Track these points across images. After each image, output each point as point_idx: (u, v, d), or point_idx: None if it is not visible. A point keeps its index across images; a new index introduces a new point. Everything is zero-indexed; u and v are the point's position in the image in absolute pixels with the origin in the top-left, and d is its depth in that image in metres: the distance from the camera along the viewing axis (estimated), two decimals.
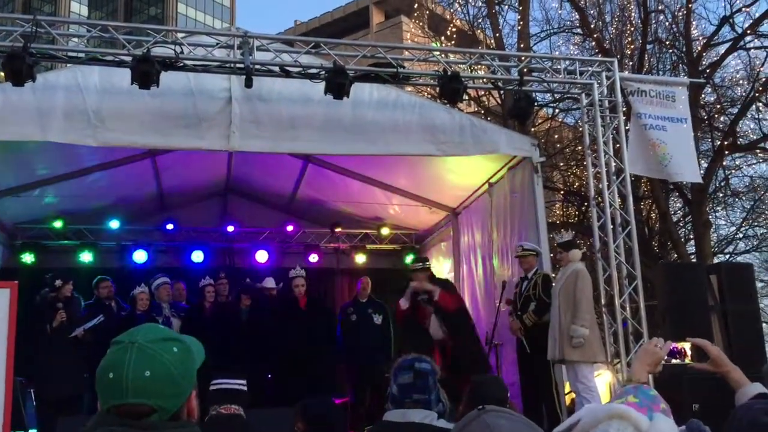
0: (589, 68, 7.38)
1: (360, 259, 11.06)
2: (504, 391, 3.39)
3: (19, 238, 9.82)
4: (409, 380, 2.78)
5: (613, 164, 7.27)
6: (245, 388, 3.40)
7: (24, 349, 7.22)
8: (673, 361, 2.17)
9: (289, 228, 10.74)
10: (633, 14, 15.11)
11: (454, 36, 16.49)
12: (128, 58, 5.97)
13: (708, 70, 14.09)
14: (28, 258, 9.70)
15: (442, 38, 16.62)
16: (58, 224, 9.71)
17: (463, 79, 6.66)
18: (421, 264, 8.21)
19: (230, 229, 10.53)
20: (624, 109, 7.49)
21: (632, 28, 15.06)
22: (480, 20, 16.33)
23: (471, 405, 3.35)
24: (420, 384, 2.77)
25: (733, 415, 2.29)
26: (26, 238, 9.82)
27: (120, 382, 1.44)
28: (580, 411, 1.70)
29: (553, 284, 7.08)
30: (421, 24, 20.08)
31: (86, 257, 9.94)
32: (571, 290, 6.65)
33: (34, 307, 7.68)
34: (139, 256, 10.13)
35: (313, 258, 10.86)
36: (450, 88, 6.55)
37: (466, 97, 13.65)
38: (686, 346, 2.09)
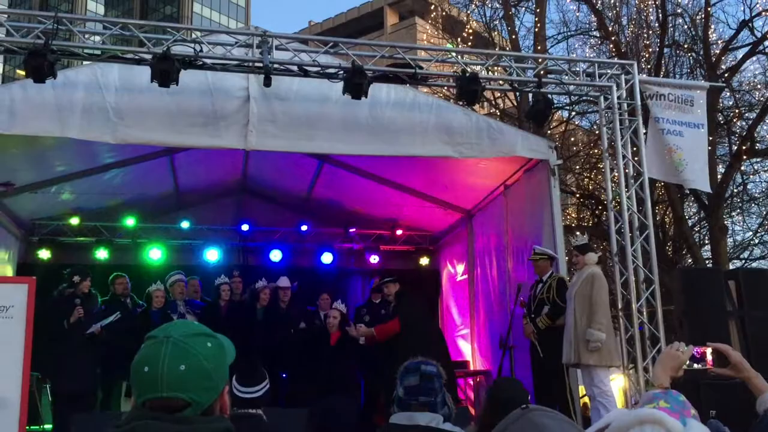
0: (608, 71, 7.34)
1: (373, 259, 11.05)
2: (525, 394, 3.36)
3: (36, 234, 9.90)
4: (415, 383, 2.77)
5: (632, 167, 7.23)
6: (263, 394, 3.38)
7: (40, 344, 7.29)
8: (695, 366, 2.15)
9: (304, 228, 10.75)
10: (651, 17, 15.01)
11: (470, 38, 16.43)
12: (148, 56, 6.00)
13: (726, 75, 13.98)
14: (44, 254, 9.78)
15: (458, 40, 16.57)
16: (74, 221, 9.78)
17: (481, 80, 6.64)
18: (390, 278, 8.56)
19: (245, 228, 10.56)
20: (642, 112, 7.44)
21: (649, 31, 14.97)
22: (496, 22, 16.29)
23: (491, 407, 3.34)
24: (426, 386, 2.76)
25: (756, 423, 2.26)
26: (43, 234, 9.90)
27: (155, 375, 1.44)
28: (609, 415, 1.68)
29: (569, 287, 7.03)
30: (436, 25, 20.06)
31: (102, 254, 10.00)
32: (587, 294, 6.60)
33: (51, 303, 7.73)
34: (155, 254, 10.18)
35: (327, 258, 10.86)
36: (468, 90, 6.53)
37: (482, 99, 13.61)
38: (707, 350, 2.07)
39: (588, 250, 6.94)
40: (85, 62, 6.73)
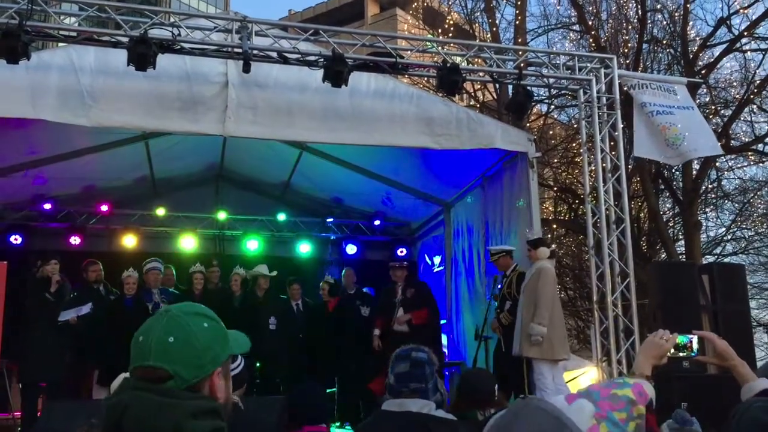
0: (588, 64, 7.36)
1: (351, 249, 11.02)
2: (492, 383, 3.38)
3: (8, 219, 9.71)
4: (405, 369, 2.75)
5: (609, 161, 7.27)
6: (237, 373, 3.35)
7: (10, 331, 7.19)
8: (680, 354, 2.15)
9: (281, 217, 10.68)
10: (630, 12, 15.10)
11: (450, 30, 16.41)
12: (125, 39, 5.89)
13: (703, 71, 14.11)
14: (15, 239, 9.61)
15: (439, 31, 16.54)
16: (47, 206, 9.61)
17: (462, 71, 6.62)
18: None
19: (222, 216, 10.46)
20: (619, 108, 7.46)
21: (629, 27, 15.05)
22: (477, 14, 16.29)
23: (462, 396, 3.35)
24: (417, 373, 2.75)
25: (733, 413, 2.27)
26: (14, 219, 9.72)
27: (146, 344, 1.47)
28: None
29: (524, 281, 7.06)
30: (417, 16, 20.02)
31: (75, 240, 9.85)
32: (534, 288, 6.69)
33: (24, 289, 7.63)
34: (130, 241, 10.05)
35: (305, 248, 10.82)
36: (449, 80, 6.51)
37: (462, 91, 13.61)
38: (694, 339, 2.08)
39: (540, 244, 6.98)
40: (60, 44, 6.59)
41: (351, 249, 11.01)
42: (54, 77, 6.17)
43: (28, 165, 8.38)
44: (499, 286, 7.49)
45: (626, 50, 14.50)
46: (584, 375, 11.15)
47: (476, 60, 7.70)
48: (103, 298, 8.14)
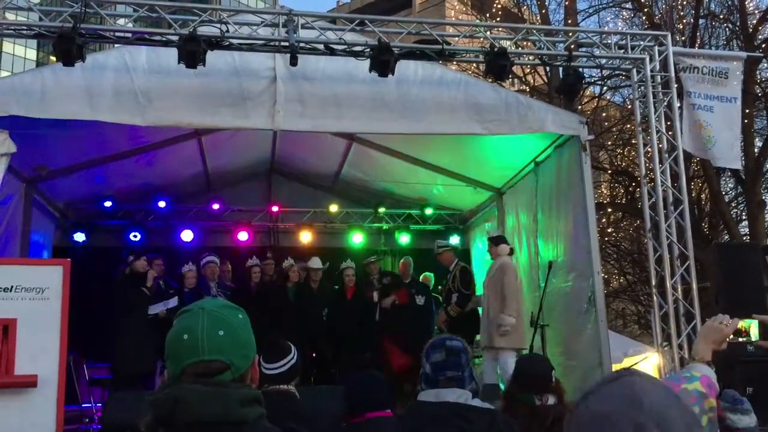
0: (641, 43, 7.16)
1: (404, 239, 11.03)
2: (549, 369, 3.34)
3: (71, 217, 10.05)
4: (441, 358, 2.75)
5: (666, 142, 7.07)
6: (289, 368, 3.37)
7: (100, 327, 7.53)
8: (739, 339, 2.09)
9: (333, 208, 10.76)
10: None
11: (499, 14, 16.21)
12: (175, 38, 6.00)
13: (764, 45, 13.58)
14: (79, 237, 9.93)
15: (487, 16, 16.36)
16: (107, 204, 9.90)
17: (510, 55, 6.53)
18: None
19: (275, 209, 10.60)
20: (676, 85, 7.27)
21: (684, 2, 14.58)
22: None
23: (517, 382, 3.32)
24: (453, 361, 2.74)
25: None
26: (77, 217, 10.05)
27: (195, 341, 1.51)
28: None
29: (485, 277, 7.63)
30: (464, 2, 19.82)
31: (135, 237, 10.13)
32: (499, 283, 7.31)
33: (117, 285, 7.95)
34: (187, 236, 10.28)
35: (357, 238, 10.87)
36: (497, 65, 6.43)
37: (511, 76, 13.44)
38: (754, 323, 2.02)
39: (501, 242, 7.62)
40: (115, 45, 6.76)
41: (404, 238, 11.01)
42: (109, 78, 6.33)
43: (89, 164, 8.64)
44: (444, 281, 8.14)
45: (682, 26, 14.06)
46: (645, 360, 10.94)
47: (525, 43, 7.58)
48: (164, 292, 8.39)
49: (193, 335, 1.51)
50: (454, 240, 11.10)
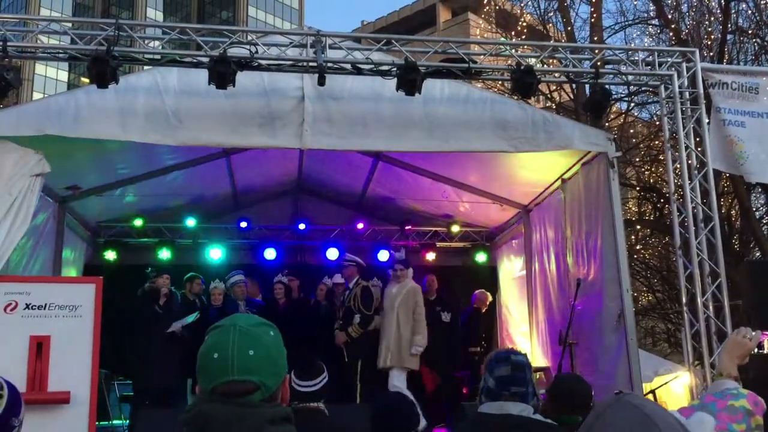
0: (668, 59, 7.13)
1: (430, 256, 11.02)
2: (587, 387, 3.29)
3: (102, 236, 10.21)
4: (506, 372, 2.72)
5: (695, 158, 7.01)
6: (321, 387, 3.40)
7: (123, 343, 7.63)
8: (761, 352, 2.09)
9: (359, 226, 10.80)
10: (712, 3, 14.54)
11: (524, 32, 16.24)
12: (205, 59, 6.11)
13: None
14: (110, 255, 10.09)
15: (512, 34, 16.39)
16: (138, 222, 10.05)
17: (536, 72, 6.54)
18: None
19: (302, 227, 10.67)
20: (705, 101, 7.22)
21: (711, 18, 14.50)
22: (551, 14, 16.07)
23: (555, 401, 3.29)
24: (518, 376, 2.73)
25: None
26: (108, 236, 10.21)
27: (225, 360, 1.49)
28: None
29: (388, 296, 8.01)
30: (489, 20, 19.89)
31: (165, 254, 10.25)
32: (410, 306, 7.87)
33: (135, 302, 8.06)
34: (215, 254, 10.38)
35: (384, 256, 10.88)
36: (524, 83, 6.44)
37: (537, 93, 13.44)
38: None
39: (410, 265, 8.24)
40: (145, 67, 6.91)
41: (430, 256, 11.01)
42: (141, 99, 6.46)
43: (120, 184, 8.79)
44: (342, 299, 8.33)
45: (710, 42, 13.97)
46: (676, 380, 10.77)
47: (551, 61, 7.59)
48: (199, 309, 8.48)
49: (223, 354, 1.50)
50: (481, 257, 11.09)
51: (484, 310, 9.79)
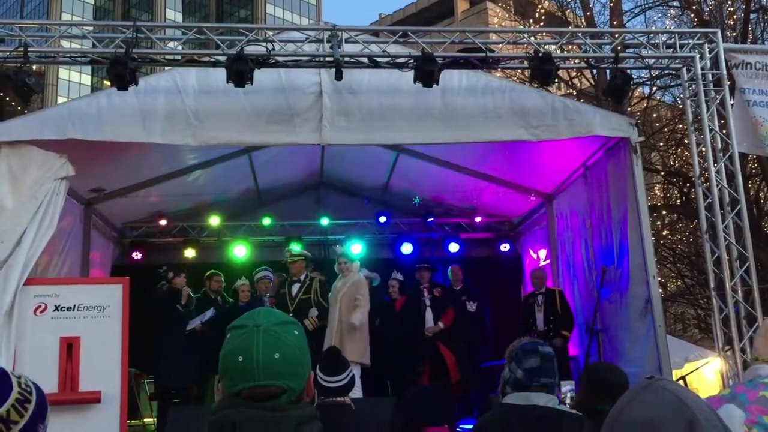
0: (690, 41, 7.02)
1: (453, 248, 10.99)
2: (623, 376, 3.24)
3: (128, 236, 10.34)
4: (536, 364, 2.72)
5: (719, 140, 6.90)
6: (348, 382, 3.42)
7: (144, 341, 7.74)
8: None
9: (382, 219, 10.80)
10: None
11: (543, 18, 16.09)
12: (223, 58, 6.14)
13: None
14: (136, 255, 10.20)
15: (530, 21, 16.25)
16: (163, 222, 10.15)
17: (555, 59, 6.48)
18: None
19: (325, 222, 10.70)
20: (728, 82, 7.10)
21: None
22: (569, 0, 15.89)
23: (590, 390, 3.26)
24: (547, 368, 2.73)
25: None
26: (134, 236, 10.33)
27: (251, 364, 1.48)
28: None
29: (334, 290, 7.89)
30: (507, 8, 19.74)
31: (190, 253, 10.35)
32: (351, 297, 7.74)
33: (153, 301, 8.15)
34: (240, 251, 10.45)
35: (407, 249, 10.88)
36: (542, 70, 6.38)
37: (557, 80, 13.31)
38: None
39: (355, 260, 8.18)
40: (165, 68, 6.96)
41: (453, 247, 10.97)
42: (161, 100, 6.52)
43: (144, 185, 8.88)
44: (294, 291, 8.11)
45: (732, 22, 13.71)
46: (707, 365, 10.64)
47: (570, 47, 7.51)
48: (220, 307, 8.55)
49: (248, 357, 1.48)
50: (505, 247, 11.01)
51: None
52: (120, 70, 5.83)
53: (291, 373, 1.50)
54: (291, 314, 7.96)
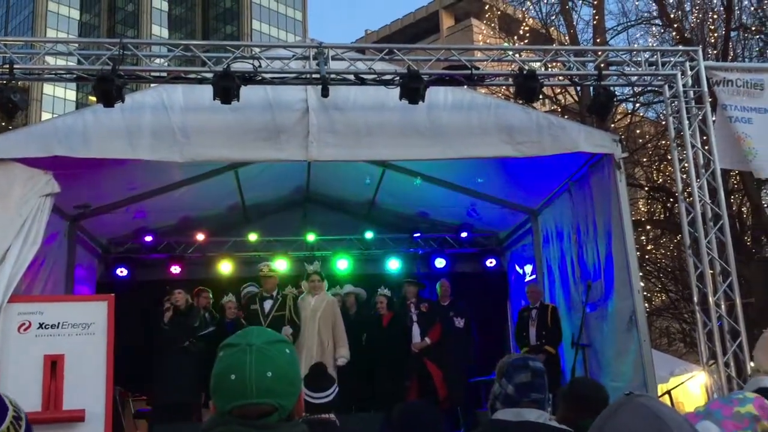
0: (672, 58, 7.13)
1: (440, 263, 11.01)
2: (604, 391, 3.25)
3: (113, 252, 10.27)
4: (527, 379, 2.71)
5: (701, 157, 7.00)
6: (333, 398, 3.42)
7: (140, 358, 7.70)
8: None
9: (369, 235, 10.81)
10: (715, 0, 14.52)
11: (527, 35, 16.27)
12: (209, 75, 6.16)
13: None
14: (122, 272, 10.14)
15: (515, 38, 16.42)
16: (148, 238, 10.10)
17: (539, 76, 6.55)
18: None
19: (311, 237, 10.69)
20: (710, 99, 7.20)
21: (714, 16, 14.47)
22: (553, 17, 16.09)
23: (571, 405, 3.27)
24: (538, 383, 2.72)
25: None
26: (119, 252, 10.27)
27: (243, 383, 1.48)
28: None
29: (307, 308, 8.04)
30: (492, 25, 19.93)
31: (176, 269, 10.29)
32: (330, 318, 7.94)
33: (150, 318, 8.13)
34: (226, 267, 10.42)
35: (394, 264, 10.89)
36: (526, 87, 6.46)
37: (542, 97, 13.45)
38: None
39: (323, 278, 8.29)
40: (152, 84, 6.97)
41: (440, 262, 11.00)
42: (147, 117, 6.52)
43: (129, 201, 8.85)
44: (267, 308, 8.08)
45: (713, 40, 13.93)
46: (692, 380, 10.70)
47: (554, 64, 7.60)
48: (208, 323, 8.51)
49: (241, 376, 1.49)
50: (491, 263, 11.05)
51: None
52: (106, 87, 5.83)
53: (283, 391, 1.51)
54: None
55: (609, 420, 1.27)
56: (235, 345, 1.55)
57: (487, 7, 19.50)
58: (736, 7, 13.87)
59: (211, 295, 8.78)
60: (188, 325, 8.11)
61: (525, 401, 2.66)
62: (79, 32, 66.66)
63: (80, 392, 5.82)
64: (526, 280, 10.30)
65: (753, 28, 14.21)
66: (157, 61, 7.14)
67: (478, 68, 6.85)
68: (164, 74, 6.81)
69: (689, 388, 11.02)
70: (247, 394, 1.48)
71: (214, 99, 6.08)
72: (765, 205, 14.80)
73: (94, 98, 6.28)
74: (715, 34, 14.08)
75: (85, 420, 5.75)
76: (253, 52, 6.65)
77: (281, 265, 10.36)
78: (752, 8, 14.25)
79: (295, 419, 1.56)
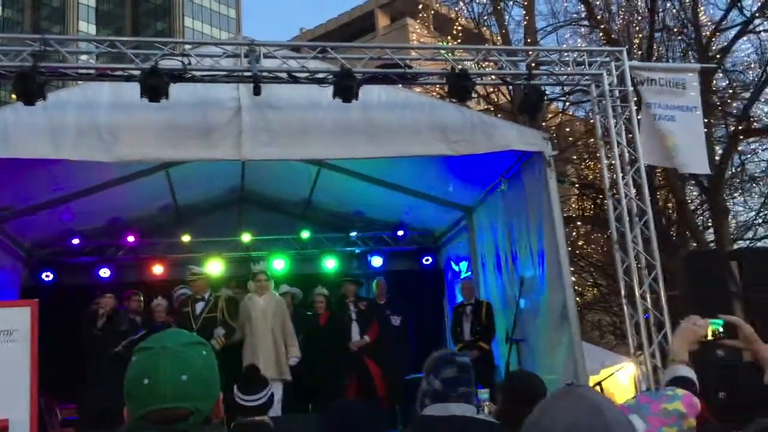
0: (598, 59, 7.33)
1: (377, 262, 11.03)
2: (543, 385, 3.30)
3: (38, 256, 9.90)
4: (453, 374, 2.72)
5: (627, 154, 7.22)
6: (267, 400, 3.38)
7: (71, 363, 7.43)
8: (709, 337, 2.20)
9: (305, 234, 10.74)
10: (640, 3, 15.00)
11: (460, 35, 16.47)
12: (137, 72, 6.01)
13: (719, 56, 13.96)
14: (47, 276, 9.78)
15: (448, 38, 16.60)
16: (75, 241, 9.78)
17: (471, 76, 6.63)
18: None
19: (246, 238, 10.54)
20: (635, 98, 7.44)
21: (640, 18, 14.96)
22: (485, 17, 16.32)
23: (510, 398, 3.31)
24: (465, 378, 2.73)
25: None
26: (45, 256, 9.90)
27: (157, 387, 1.44)
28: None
29: (257, 308, 7.87)
30: (426, 25, 20.09)
31: (105, 273, 10.00)
32: (281, 317, 7.90)
33: (78, 323, 7.85)
34: (158, 270, 10.18)
35: (330, 263, 10.86)
36: (459, 86, 6.53)
37: (475, 95, 13.64)
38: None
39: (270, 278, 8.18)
40: (78, 82, 6.75)
41: (376, 261, 11.02)
42: (71, 116, 6.31)
43: (55, 202, 8.54)
44: (198, 310, 7.99)
45: (638, 41, 14.40)
46: (621, 370, 11.04)
47: (487, 63, 7.71)
48: (139, 328, 8.28)
49: (154, 380, 1.44)
50: (427, 260, 11.14)
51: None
52: (26, 85, 5.62)
53: (199, 394, 1.47)
54: (195, 333, 7.95)
55: (548, 410, 1.29)
56: (149, 348, 1.51)
57: (421, 6, 19.64)
58: (660, 10, 14.38)
59: (142, 299, 8.55)
60: (117, 330, 7.90)
61: (453, 396, 2.68)
62: (0, 27, 64.01)
63: (3, 402, 5.58)
64: (461, 277, 10.43)
65: (676, 30, 14.74)
66: (83, 57, 6.92)
67: (411, 67, 6.89)
68: (90, 71, 6.59)
69: (619, 379, 11.37)
70: (161, 398, 1.44)
71: (142, 97, 5.93)
72: (689, 201, 15.39)
73: (15, 96, 6.03)
74: (640, 35, 14.56)
75: (8, 430, 5.52)
76: (183, 49, 6.51)
77: (215, 266, 10.19)
78: (675, 10, 14.79)
79: (213, 423, 1.52)
